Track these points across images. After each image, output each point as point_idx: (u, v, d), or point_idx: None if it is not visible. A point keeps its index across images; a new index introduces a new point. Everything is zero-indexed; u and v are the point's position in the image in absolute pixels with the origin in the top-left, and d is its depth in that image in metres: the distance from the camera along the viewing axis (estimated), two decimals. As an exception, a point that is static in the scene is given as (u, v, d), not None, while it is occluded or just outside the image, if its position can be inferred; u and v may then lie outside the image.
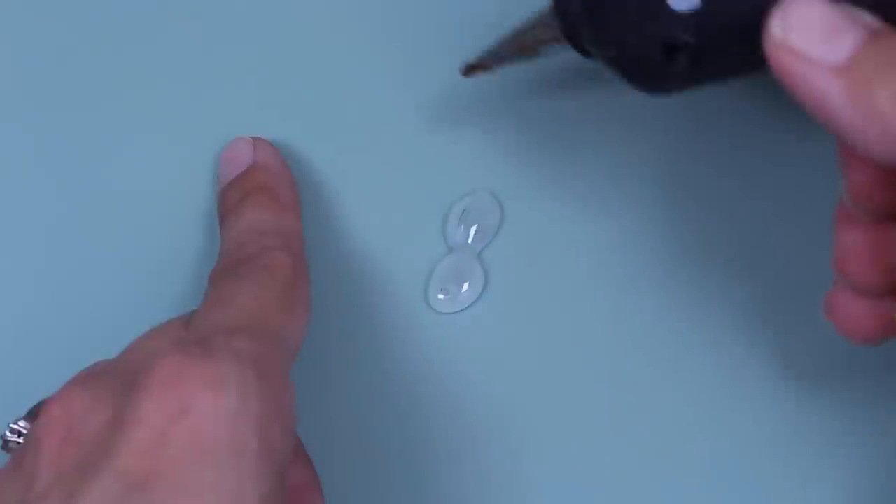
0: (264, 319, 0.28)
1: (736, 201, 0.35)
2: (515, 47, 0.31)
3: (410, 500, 0.35)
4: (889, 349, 0.30)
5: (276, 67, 0.35)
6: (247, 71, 0.35)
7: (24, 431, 0.28)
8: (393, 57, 0.35)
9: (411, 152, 0.35)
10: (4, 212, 0.35)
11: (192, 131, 0.35)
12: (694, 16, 0.25)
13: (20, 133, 0.35)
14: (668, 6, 0.25)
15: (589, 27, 0.27)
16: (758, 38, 0.24)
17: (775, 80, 0.24)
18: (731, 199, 0.35)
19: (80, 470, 0.24)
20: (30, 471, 0.25)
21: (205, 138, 0.35)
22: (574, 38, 0.28)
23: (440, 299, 0.35)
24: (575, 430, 0.35)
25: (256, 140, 0.34)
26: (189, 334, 0.28)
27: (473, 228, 0.35)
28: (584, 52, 0.29)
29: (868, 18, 0.24)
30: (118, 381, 0.26)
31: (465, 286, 0.35)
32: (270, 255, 0.30)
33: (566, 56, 0.29)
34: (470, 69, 0.32)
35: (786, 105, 0.25)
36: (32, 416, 0.28)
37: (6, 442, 0.28)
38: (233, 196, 0.33)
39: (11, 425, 0.28)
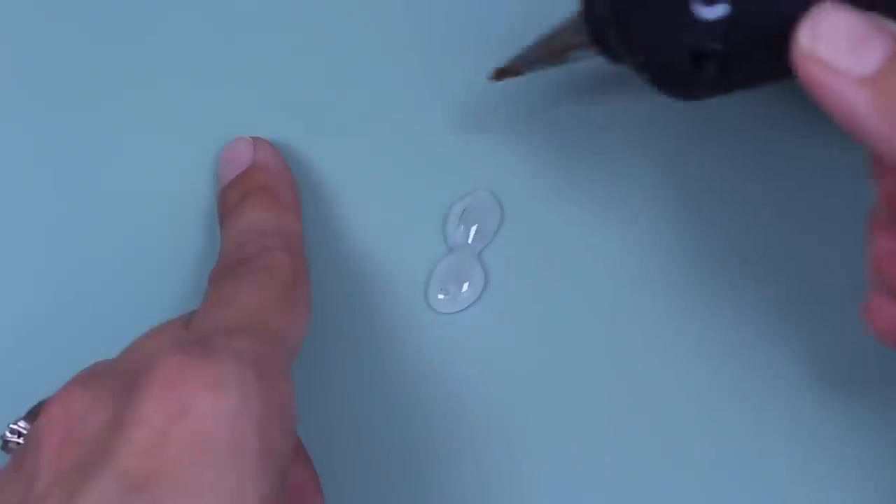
0: (264, 319, 0.28)
1: (746, 204, 0.35)
2: (545, 52, 0.31)
3: (410, 500, 0.35)
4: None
5: (276, 68, 0.35)
6: (247, 71, 0.35)
7: (24, 431, 0.28)
8: (393, 57, 0.35)
9: (411, 152, 0.35)
10: (4, 212, 0.35)
11: (192, 131, 0.35)
12: (721, 23, 0.25)
13: (20, 133, 0.35)
14: (695, 14, 0.25)
15: (617, 33, 0.27)
16: (785, 47, 0.24)
17: (801, 88, 0.24)
18: (735, 201, 0.35)
19: (80, 470, 0.24)
20: (30, 471, 0.25)
21: (205, 138, 0.35)
22: (602, 44, 0.28)
23: (440, 299, 0.35)
24: (575, 431, 0.35)
25: (256, 140, 0.34)
26: (189, 334, 0.28)
27: (473, 228, 0.35)
28: (613, 58, 0.29)
29: None
30: (118, 381, 0.26)
31: (465, 286, 0.35)
32: (270, 255, 0.30)
33: (594, 62, 0.30)
34: (500, 73, 0.32)
35: (811, 110, 0.25)
36: (32, 416, 0.28)
37: (6, 442, 0.28)
38: (233, 196, 0.33)
39: (11, 425, 0.28)
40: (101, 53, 0.35)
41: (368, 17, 0.35)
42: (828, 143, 0.35)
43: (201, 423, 0.24)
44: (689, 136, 0.35)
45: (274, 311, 0.29)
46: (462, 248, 0.35)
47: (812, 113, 0.25)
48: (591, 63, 0.31)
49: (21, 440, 0.28)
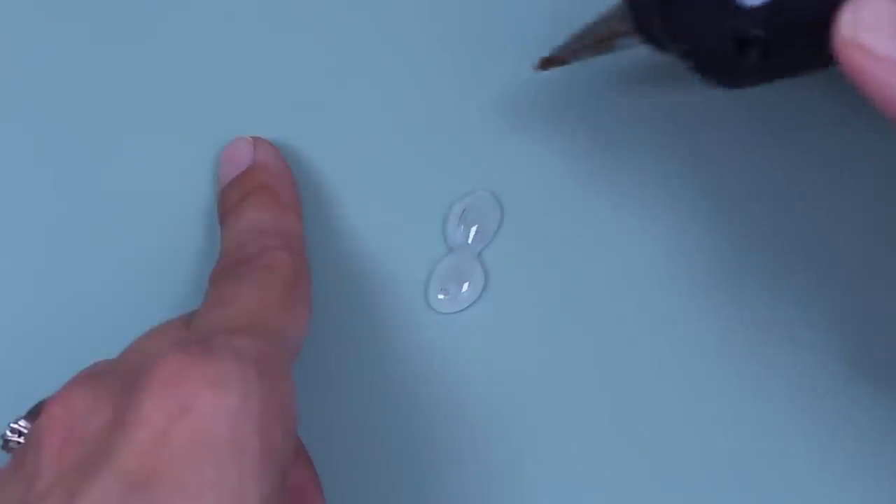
0: (265, 319, 0.28)
1: (745, 202, 0.35)
2: (590, 40, 0.31)
3: (411, 500, 0.35)
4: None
5: (276, 67, 0.35)
6: (247, 71, 0.35)
7: (25, 431, 0.28)
8: (392, 57, 0.35)
9: (411, 152, 0.35)
10: (4, 212, 0.35)
11: (192, 131, 0.35)
12: (764, 9, 0.25)
13: (20, 133, 0.35)
14: (738, 0, 0.25)
15: (661, 19, 0.27)
16: (827, 33, 0.24)
17: (841, 76, 0.24)
18: (734, 199, 0.35)
19: (81, 470, 0.24)
20: (31, 470, 0.25)
21: (205, 138, 0.35)
22: (647, 31, 0.29)
23: (440, 299, 0.35)
24: (576, 431, 0.35)
25: (256, 140, 0.34)
26: (190, 334, 0.28)
27: (473, 228, 0.35)
28: (658, 46, 0.29)
29: None
30: (119, 380, 0.26)
31: (465, 286, 0.35)
32: (271, 255, 0.30)
33: (639, 51, 0.30)
34: (546, 63, 0.32)
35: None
36: (33, 415, 0.28)
37: (6, 441, 0.28)
38: (233, 196, 0.33)
39: (12, 425, 0.28)
40: (101, 53, 0.35)
41: (368, 18, 0.35)
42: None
43: (202, 423, 0.24)
44: (689, 135, 0.35)
45: (274, 310, 0.29)
46: (462, 248, 0.35)
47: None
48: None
49: (21, 439, 0.28)
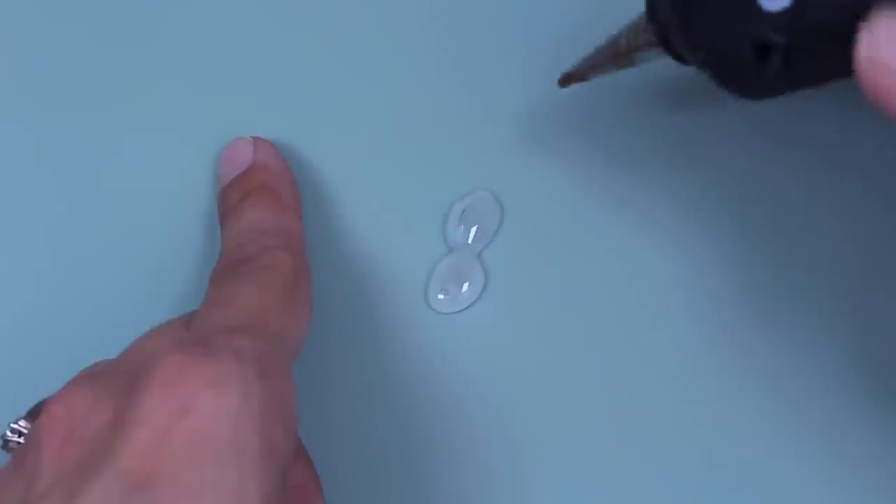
0: (265, 319, 0.28)
1: (745, 202, 0.35)
2: (611, 54, 0.31)
3: (411, 500, 0.35)
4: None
5: (276, 67, 0.35)
6: (247, 71, 0.35)
7: (25, 431, 0.28)
8: (393, 57, 0.35)
9: (411, 152, 0.35)
10: (4, 212, 0.35)
11: (192, 131, 0.35)
12: (784, 15, 0.25)
13: (20, 133, 0.35)
14: (757, 5, 0.25)
15: (680, 28, 0.27)
16: (848, 40, 0.24)
17: (856, 89, 0.24)
18: (733, 199, 0.35)
19: (81, 470, 0.24)
20: (31, 470, 0.25)
21: (205, 138, 0.35)
22: (667, 43, 0.28)
23: (440, 299, 0.35)
24: (575, 431, 0.35)
25: (256, 140, 0.34)
26: (190, 334, 0.28)
27: (473, 228, 0.35)
28: (678, 57, 0.28)
29: None
30: (119, 380, 0.26)
31: (465, 286, 0.35)
32: (271, 255, 0.30)
33: (660, 63, 0.29)
34: (567, 79, 0.32)
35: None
36: (33, 415, 0.28)
37: (6, 441, 0.28)
38: (233, 196, 0.33)
39: (12, 425, 0.28)
40: (101, 53, 0.35)
41: (367, 18, 0.35)
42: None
43: (202, 422, 0.24)
44: (689, 136, 0.35)
45: (275, 310, 0.29)
46: (462, 248, 0.35)
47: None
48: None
49: (22, 439, 0.28)
